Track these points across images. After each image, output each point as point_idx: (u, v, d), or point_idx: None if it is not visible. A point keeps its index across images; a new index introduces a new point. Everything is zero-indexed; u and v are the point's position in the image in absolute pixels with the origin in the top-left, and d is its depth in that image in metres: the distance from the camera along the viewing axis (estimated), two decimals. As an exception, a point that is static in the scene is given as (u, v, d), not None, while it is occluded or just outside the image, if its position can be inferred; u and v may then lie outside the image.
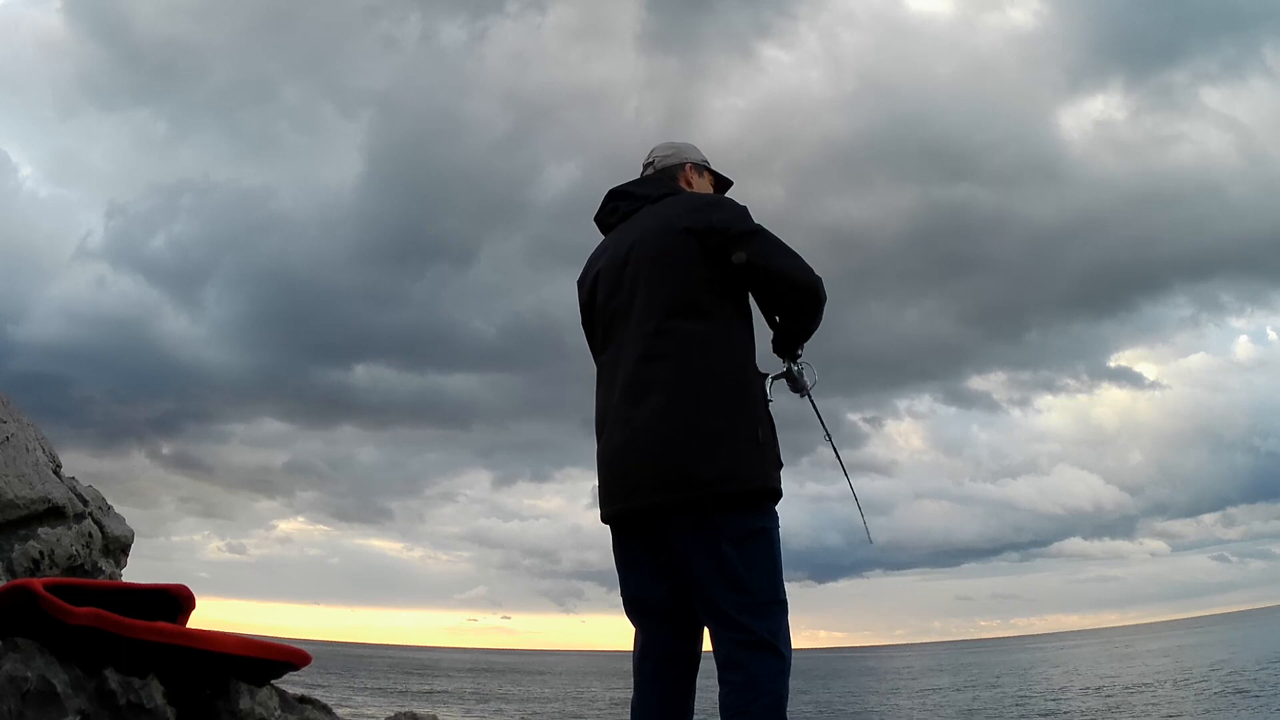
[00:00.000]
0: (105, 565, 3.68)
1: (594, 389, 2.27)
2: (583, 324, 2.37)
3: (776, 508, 2.06)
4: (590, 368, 2.32)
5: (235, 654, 2.52)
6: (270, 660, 2.65)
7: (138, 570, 3.84)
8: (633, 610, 2.16)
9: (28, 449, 3.53)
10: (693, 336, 2.04)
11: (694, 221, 2.10)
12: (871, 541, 2.51)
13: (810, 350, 2.35)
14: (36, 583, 2.28)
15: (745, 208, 2.16)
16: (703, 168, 2.43)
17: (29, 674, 2.17)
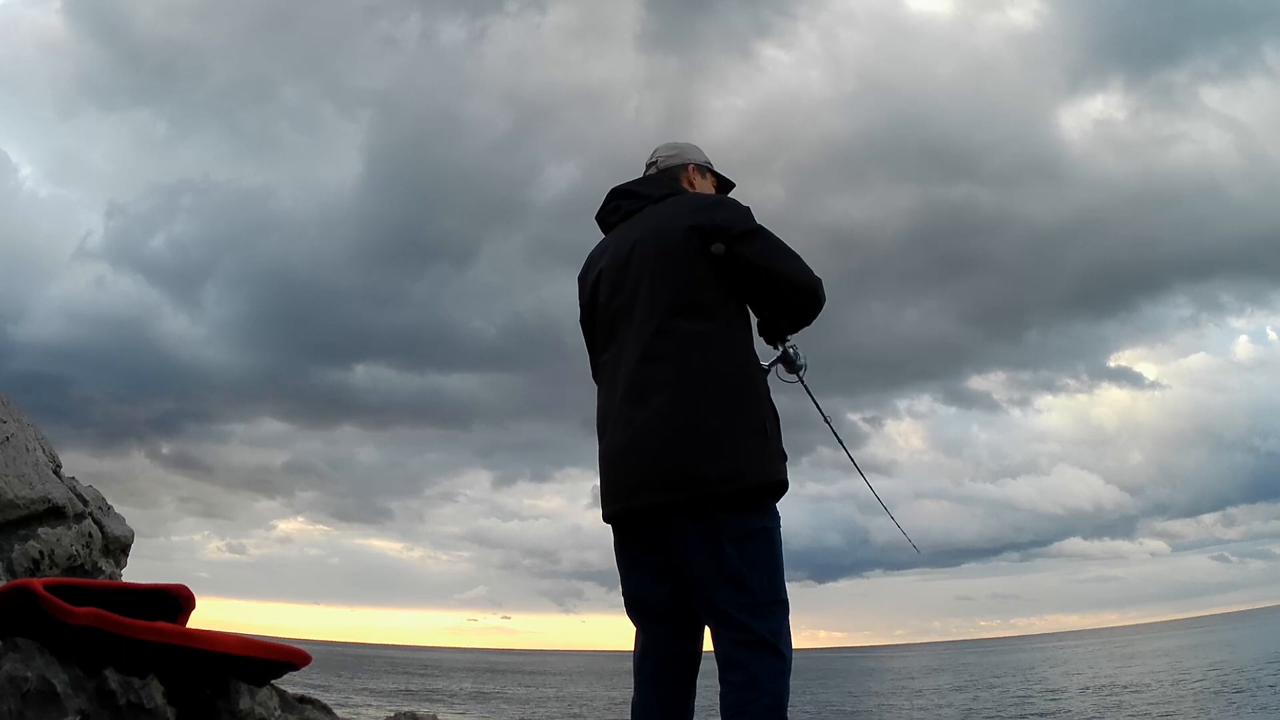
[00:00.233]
0: (105, 565, 3.68)
1: (594, 389, 2.27)
2: (582, 322, 2.36)
3: (778, 506, 2.06)
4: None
5: (235, 654, 2.52)
6: (270, 660, 2.65)
7: (138, 570, 3.84)
8: (633, 610, 2.16)
9: (28, 449, 3.53)
10: (694, 336, 2.04)
11: (696, 221, 2.10)
12: (919, 551, 2.53)
13: (810, 351, 2.36)
14: (36, 583, 2.28)
15: (748, 208, 2.16)
16: (705, 169, 2.43)
17: (29, 674, 2.17)
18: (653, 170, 2.43)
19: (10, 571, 3.17)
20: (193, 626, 2.62)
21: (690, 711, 2.12)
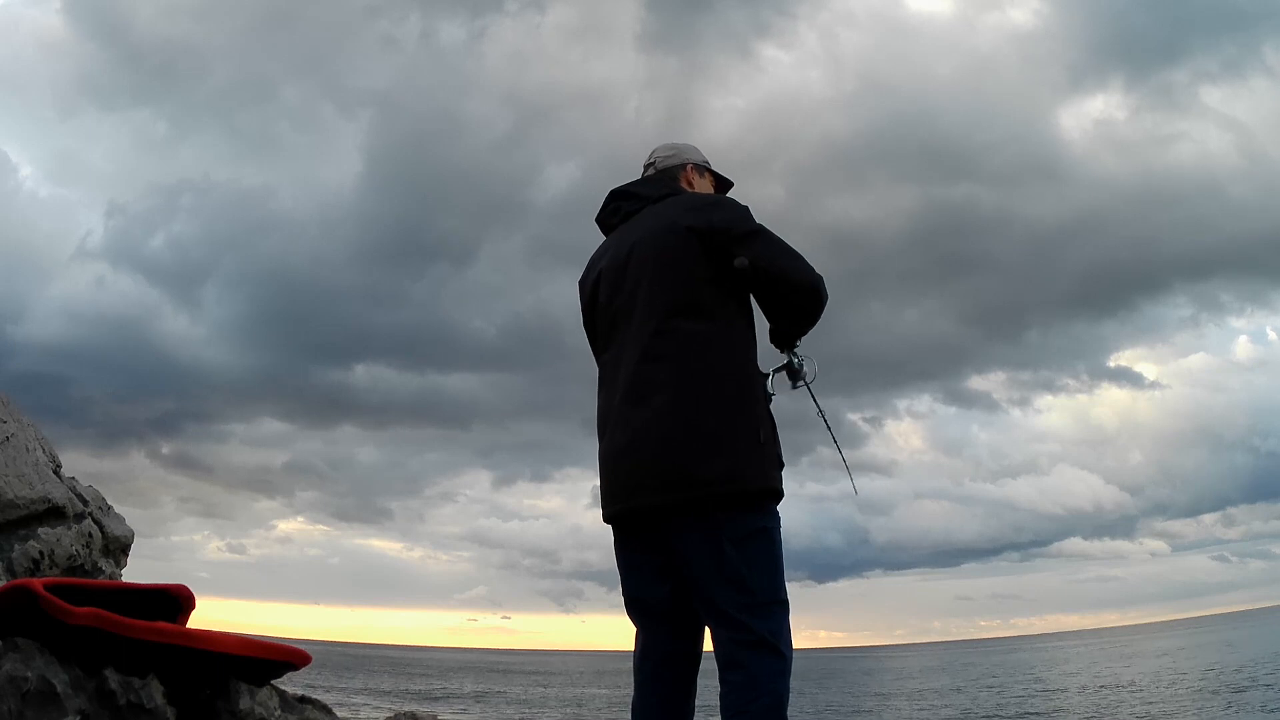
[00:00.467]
0: (105, 565, 3.68)
1: (594, 389, 2.27)
2: (584, 324, 2.37)
3: (778, 508, 2.06)
4: (591, 368, 2.32)
5: (235, 654, 2.52)
6: (270, 660, 2.65)
7: (138, 570, 3.84)
8: (634, 610, 2.16)
9: (28, 449, 3.53)
10: (694, 337, 2.04)
11: (696, 221, 2.10)
12: (856, 493, 2.52)
13: (810, 350, 2.36)
14: (36, 583, 2.28)
15: (747, 208, 2.16)
16: (704, 168, 2.43)
17: (29, 674, 2.17)
18: (651, 171, 2.43)
19: (10, 571, 3.17)
20: (193, 626, 2.62)
21: (690, 711, 2.12)
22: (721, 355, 2.05)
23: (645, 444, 2.01)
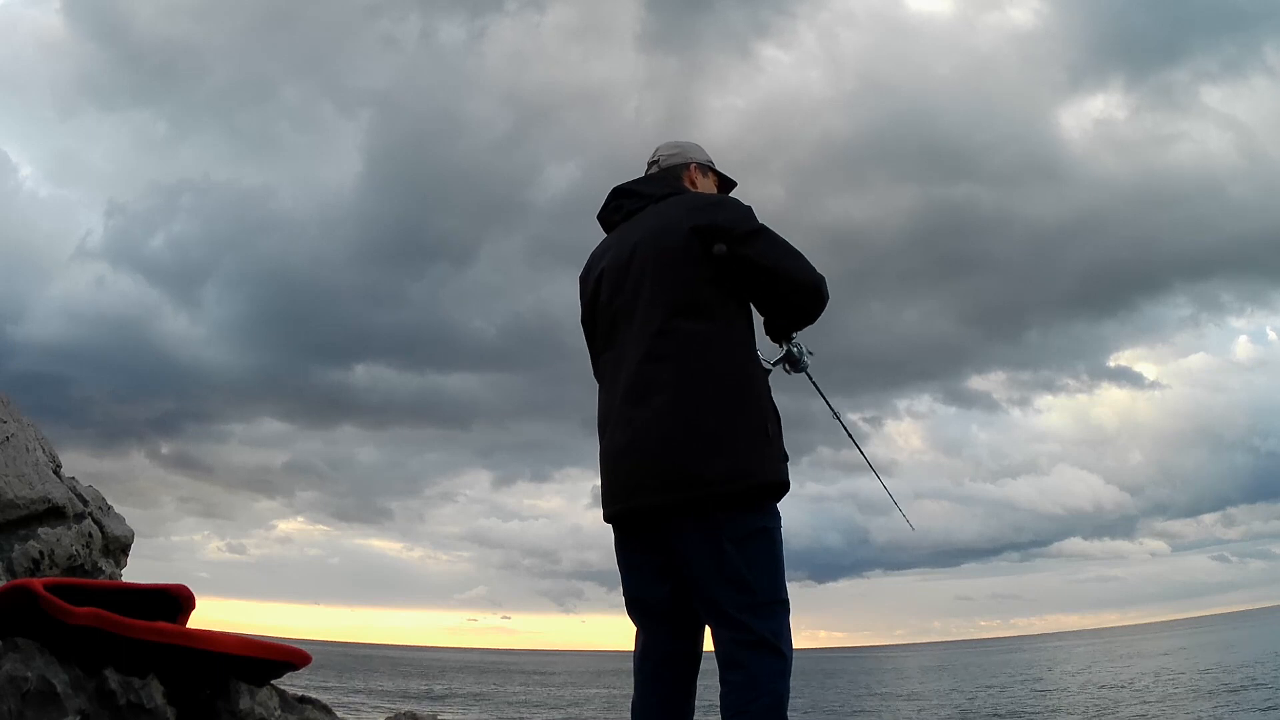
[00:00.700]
0: (105, 565, 3.68)
1: (594, 389, 2.27)
2: (583, 322, 2.36)
3: (778, 507, 2.06)
4: (591, 367, 2.32)
5: (235, 654, 2.52)
6: (270, 660, 2.65)
7: (138, 570, 3.84)
8: (634, 610, 2.16)
9: (28, 449, 3.53)
10: (695, 336, 2.04)
11: (698, 221, 2.10)
12: (914, 528, 2.56)
13: (811, 350, 2.37)
14: (36, 583, 2.28)
15: (749, 207, 2.16)
16: (707, 168, 2.43)
17: (29, 674, 2.17)
18: (654, 169, 2.42)
19: (10, 571, 3.17)
20: (193, 626, 2.61)
21: (690, 711, 2.12)
22: (723, 355, 2.04)
23: (646, 444, 2.01)
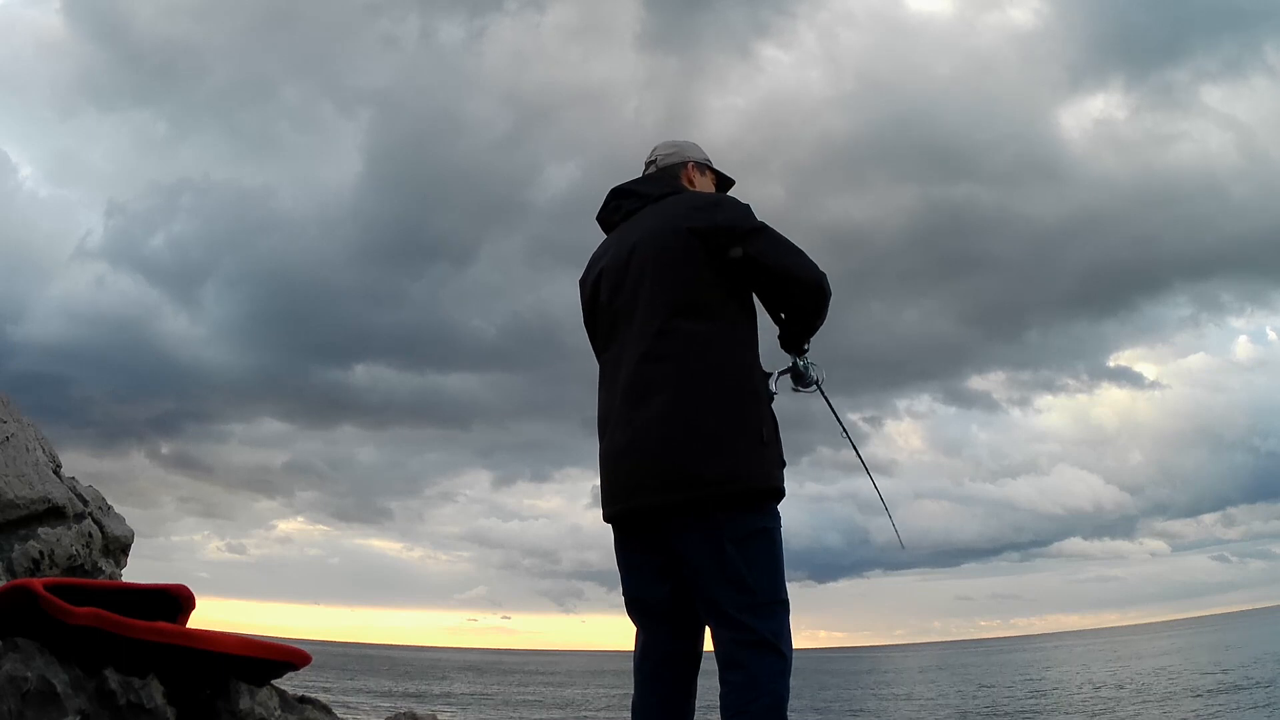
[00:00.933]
0: (105, 565, 3.68)
1: (594, 389, 2.27)
2: (585, 323, 2.36)
3: (778, 507, 2.06)
4: (591, 367, 2.32)
5: (235, 654, 2.52)
6: (270, 660, 2.65)
7: (138, 570, 3.84)
8: (634, 610, 2.16)
9: (28, 449, 3.53)
10: (695, 336, 2.04)
11: (697, 220, 2.10)
12: (903, 546, 2.52)
13: (811, 349, 2.35)
14: (36, 583, 2.28)
15: (748, 206, 2.16)
16: (705, 167, 2.43)
17: (29, 674, 2.17)
18: (652, 169, 2.42)
19: (10, 571, 3.17)
20: (193, 626, 2.61)
21: (690, 711, 2.12)
22: (723, 355, 2.04)
23: (646, 444, 2.01)
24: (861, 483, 2.60)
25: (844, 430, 2.39)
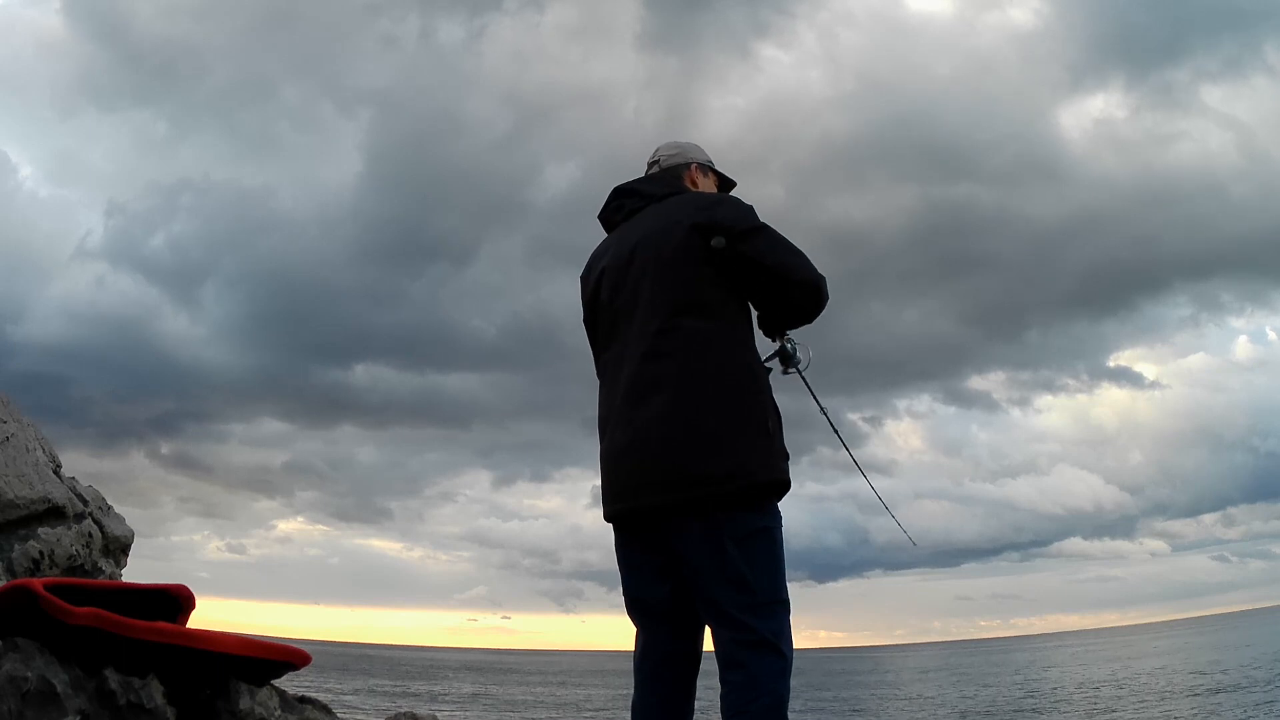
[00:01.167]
0: (105, 565, 3.68)
1: (594, 388, 2.27)
2: (585, 322, 2.36)
3: (779, 506, 2.06)
4: (591, 367, 2.32)
5: (235, 654, 2.52)
6: (270, 660, 2.65)
7: (138, 570, 3.84)
8: (634, 610, 2.16)
9: (28, 449, 3.53)
10: (696, 335, 2.04)
11: (699, 220, 2.10)
12: (915, 544, 2.52)
13: (810, 350, 2.35)
14: (36, 583, 2.28)
15: (750, 206, 2.16)
16: (707, 168, 2.43)
17: (29, 674, 2.17)
18: (655, 169, 2.43)
19: (10, 571, 3.17)
20: (193, 626, 2.61)
21: (690, 711, 2.12)
22: (724, 354, 2.04)
23: (646, 443, 2.01)
24: (861, 483, 2.60)
25: (822, 409, 2.38)
